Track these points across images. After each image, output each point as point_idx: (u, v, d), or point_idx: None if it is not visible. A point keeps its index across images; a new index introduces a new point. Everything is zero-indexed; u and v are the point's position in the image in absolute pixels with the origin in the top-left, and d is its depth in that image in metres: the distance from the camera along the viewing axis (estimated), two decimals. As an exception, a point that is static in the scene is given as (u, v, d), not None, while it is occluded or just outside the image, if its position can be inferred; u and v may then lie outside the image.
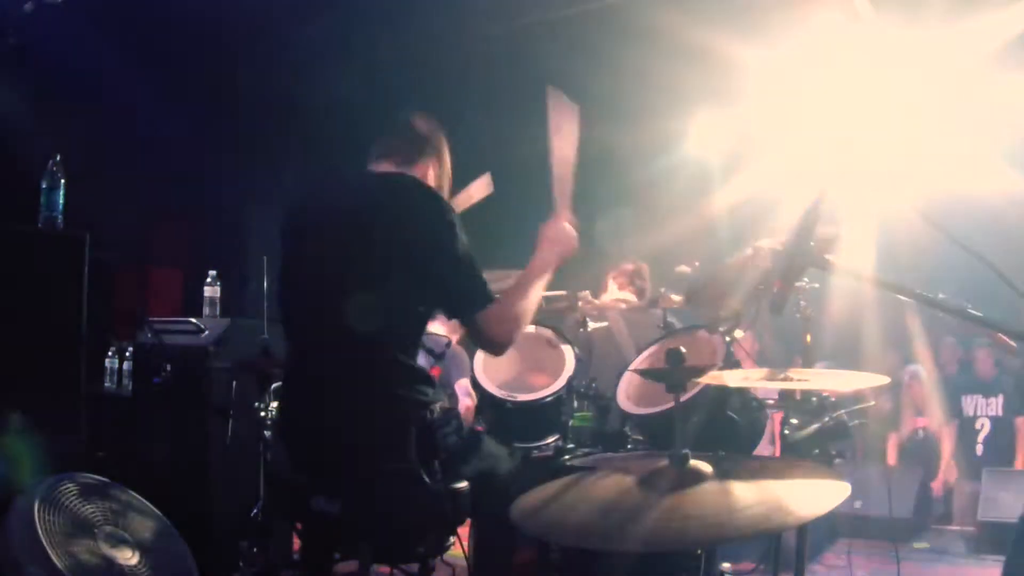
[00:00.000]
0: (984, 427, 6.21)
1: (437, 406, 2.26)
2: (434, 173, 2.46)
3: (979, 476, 5.65)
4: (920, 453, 6.30)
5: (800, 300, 3.10)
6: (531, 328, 3.55)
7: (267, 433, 3.49)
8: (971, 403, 6.32)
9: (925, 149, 5.58)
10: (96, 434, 3.62)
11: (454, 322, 2.70)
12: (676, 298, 3.88)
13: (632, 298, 4.32)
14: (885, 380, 2.40)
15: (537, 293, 2.35)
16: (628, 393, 3.26)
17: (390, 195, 2.30)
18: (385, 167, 2.40)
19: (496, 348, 2.33)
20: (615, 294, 4.40)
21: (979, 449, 6.19)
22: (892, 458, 6.25)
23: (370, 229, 2.25)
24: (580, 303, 3.81)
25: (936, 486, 6.14)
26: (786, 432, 2.83)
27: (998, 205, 5.44)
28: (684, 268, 3.81)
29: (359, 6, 5.74)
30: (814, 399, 2.80)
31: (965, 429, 6.29)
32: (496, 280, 2.41)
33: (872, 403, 6.01)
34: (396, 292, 2.21)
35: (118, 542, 2.98)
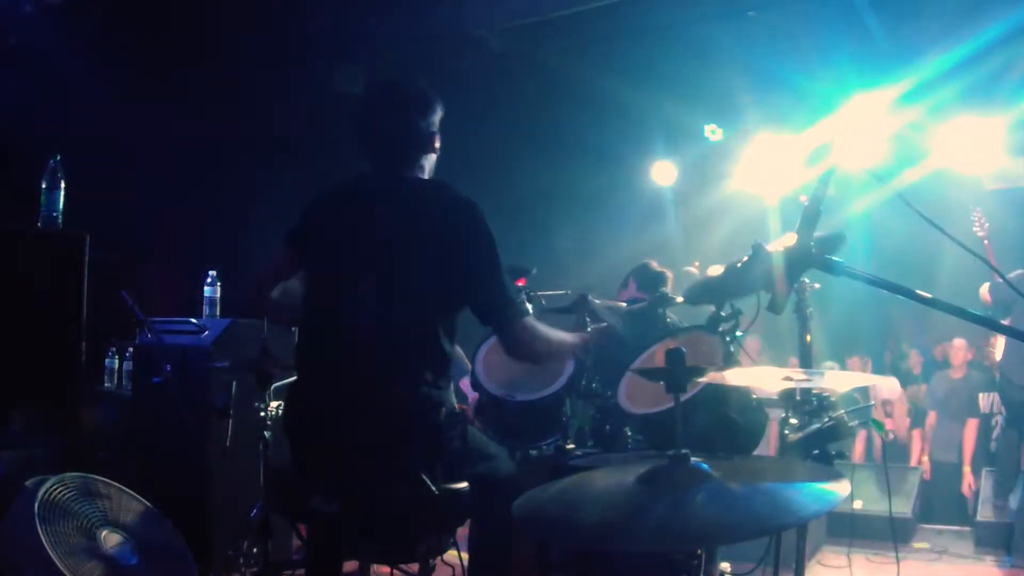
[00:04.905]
0: (999, 424, 6.21)
1: (443, 410, 2.26)
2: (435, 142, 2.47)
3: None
4: (888, 456, 6.31)
5: (800, 300, 3.10)
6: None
7: (267, 433, 3.49)
8: (987, 400, 6.32)
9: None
10: (96, 434, 3.62)
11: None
12: (678, 299, 3.88)
13: (646, 297, 4.32)
14: (883, 381, 2.42)
15: (563, 346, 2.56)
16: (628, 393, 3.26)
17: (427, 204, 2.32)
18: (399, 169, 2.41)
19: (524, 357, 2.47)
20: (632, 293, 4.41)
21: (993, 446, 6.19)
22: (857, 456, 6.28)
23: (405, 236, 2.26)
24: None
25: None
26: (786, 432, 2.83)
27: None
28: (692, 268, 3.82)
29: (361, 4, 5.74)
30: (814, 399, 2.80)
31: (981, 426, 6.29)
32: None
33: (873, 403, 6.04)
34: (427, 298, 2.23)
35: (118, 541, 2.98)
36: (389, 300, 2.22)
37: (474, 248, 2.26)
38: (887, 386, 6.34)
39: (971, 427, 6.28)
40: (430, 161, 2.47)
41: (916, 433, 6.42)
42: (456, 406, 2.41)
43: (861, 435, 6.40)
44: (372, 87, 2.50)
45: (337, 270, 2.33)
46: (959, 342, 6.65)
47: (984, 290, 5.42)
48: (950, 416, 6.46)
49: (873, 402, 6.09)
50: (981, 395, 6.36)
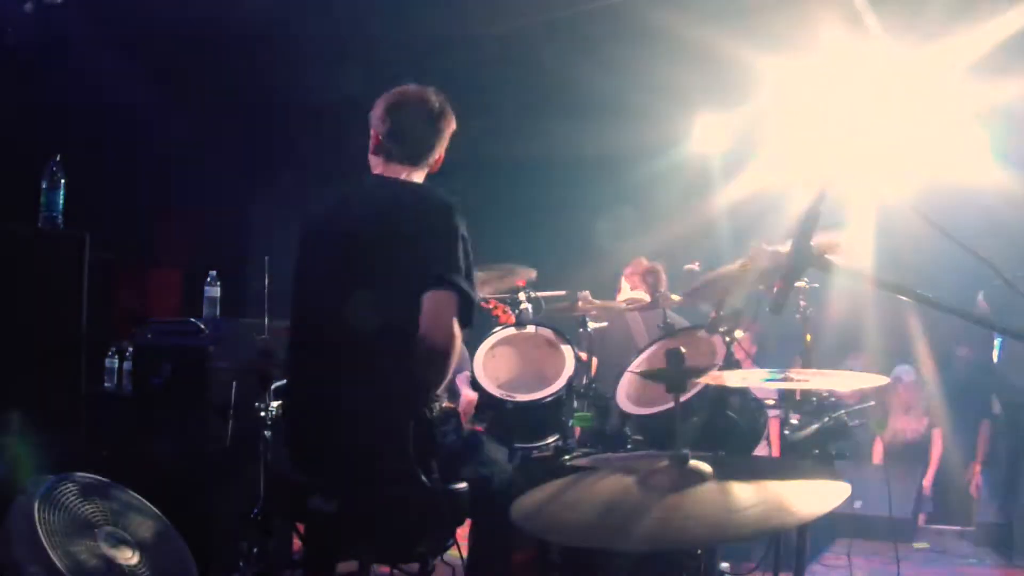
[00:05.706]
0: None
1: (437, 405, 2.27)
2: (439, 156, 2.52)
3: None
4: (906, 454, 6.30)
5: (800, 300, 3.10)
6: (531, 328, 3.55)
7: (267, 433, 3.49)
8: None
9: (924, 146, 5.62)
10: (96, 434, 3.61)
11: None
12: (676, 297, 3.88)
13: (645, 297, 4.32)
14: (884, 381, 2.41)
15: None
16: (628, 393, 3.26)
17: (403, 204, 2.34)
18: (397, 170, 2.44)
19: (431, 337, 2.19)
20: (627, 293, 4.41)
21: None
22: (877, 458, 6.26)
23: (380, 235, 2.28)
24: (580, 303, 3.81)
25: (926, 484, 6.14)
26: (786, 432, 2.83)
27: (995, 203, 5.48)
28: (692, 267, 3.82)
29: (360, 5, 5.74)
30: (814, 399, 2.80)
31: (997, 427, 6.27)
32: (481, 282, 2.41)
33: (872, 403, 6.03)
34: (404, 293, 2.23)
35: (118, 542, 2.98)
36: (371, 299, 2.23)
37: (434, 238, 2.25)
38: (902, 372, 6.35)
39: (984, 428, 6.25)
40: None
41: (936, 432, 6.39)
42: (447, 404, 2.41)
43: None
44: (406, 90, 2.51)
45: (321, 273, 2.36)
46: (962, 351, 6.63)
47: (980, 298, 5.41)
48: (954, 417, 6.43)
49: (873, 402, 6.08)
50: (994, 395, 6.33)
